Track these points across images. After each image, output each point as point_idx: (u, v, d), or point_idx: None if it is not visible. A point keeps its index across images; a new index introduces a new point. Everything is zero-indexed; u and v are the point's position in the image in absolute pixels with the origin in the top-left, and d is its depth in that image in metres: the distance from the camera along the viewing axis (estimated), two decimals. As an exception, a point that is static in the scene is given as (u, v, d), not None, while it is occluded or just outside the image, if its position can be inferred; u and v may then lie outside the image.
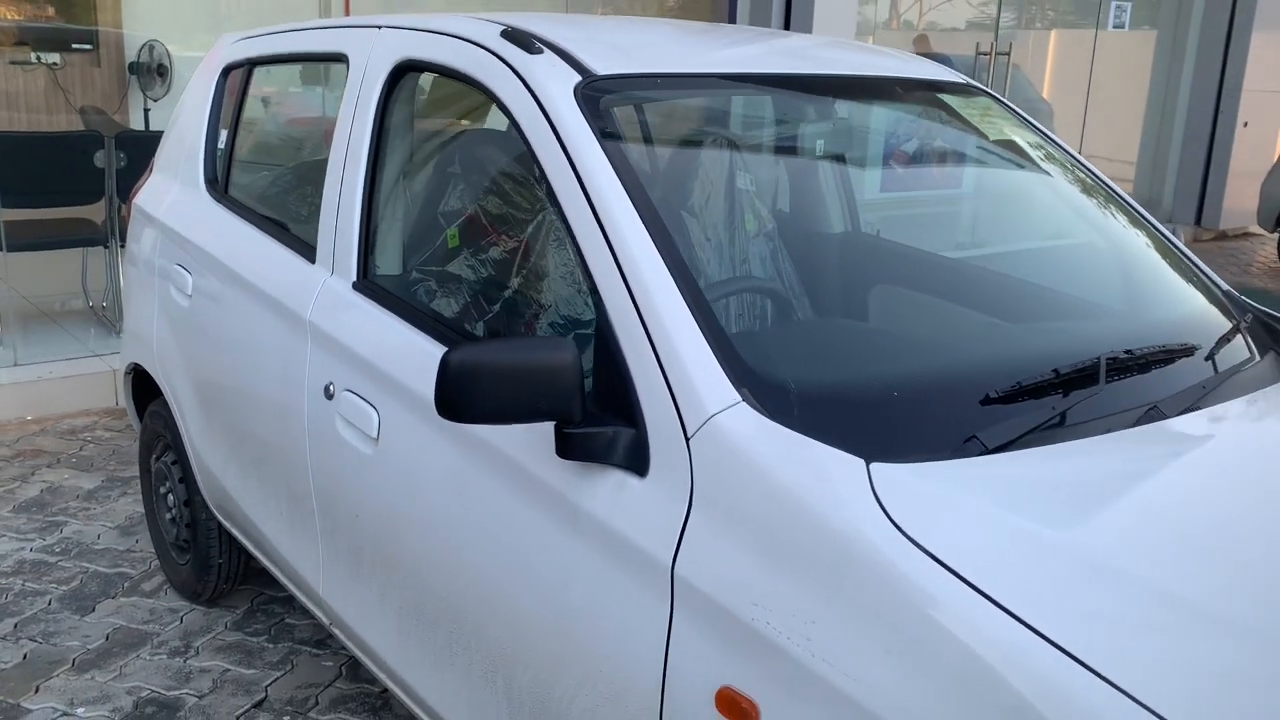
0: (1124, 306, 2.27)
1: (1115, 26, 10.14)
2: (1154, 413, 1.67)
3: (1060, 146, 2.53)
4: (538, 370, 1.53)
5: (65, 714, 2.76)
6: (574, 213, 1.76)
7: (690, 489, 1.50)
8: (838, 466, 1.39)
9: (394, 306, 2.15)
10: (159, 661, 3.00)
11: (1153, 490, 1.45)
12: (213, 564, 3.14)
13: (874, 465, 1.39)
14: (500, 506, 1.78)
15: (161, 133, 3.91)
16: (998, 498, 1.37)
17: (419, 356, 1.99)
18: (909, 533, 1.30)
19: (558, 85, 1.89)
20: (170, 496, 3.27)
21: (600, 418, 1.62)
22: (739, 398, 1.51)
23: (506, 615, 1.77)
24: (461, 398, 1.52)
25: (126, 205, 3.47)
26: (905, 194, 2.60)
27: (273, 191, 2.85)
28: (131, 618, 3.21)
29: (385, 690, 2.88)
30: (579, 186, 1.76)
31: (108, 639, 3.10)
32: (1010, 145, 2.48)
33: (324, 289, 2.32)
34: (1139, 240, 2.40)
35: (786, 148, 2.32)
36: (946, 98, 2.41)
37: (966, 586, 1.23)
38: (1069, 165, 2.49)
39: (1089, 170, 2.51)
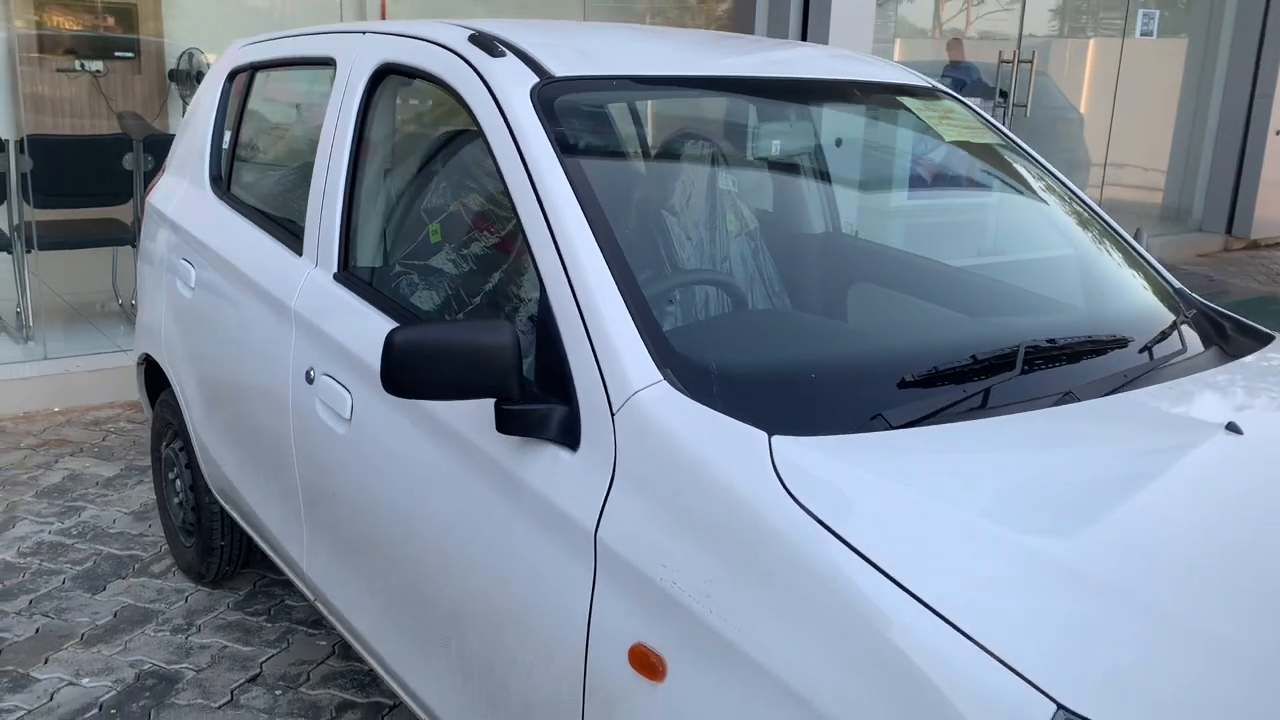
0: (1074, 301, 2.35)
1: (1143, 34, 10.11)
2: (1068, 396, 1.75)
3: (1024, 150, 2.61)
4: (477, 350, 1.64)
5: (70, 683, 2.91)
6: (524, 207, 1.87)
7: (614, 461, 1.60)
8: (741, 438, 1.49)
9: (369, 296, 2.27)
10: (162, 637, 3.15)
11: (1041, 462, 1.54)
12: (215, 546, 3.29)
13: (776, 438, 1.49)
14: (450, 480, 1.89)
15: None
16: (888, 468, 1.46)
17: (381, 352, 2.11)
18: (799, 498, 1.39)
19: (516, 86, 2.01)
20: (178, 482, 3.42)
21: (540, 396, 1.73)
22: (660, 377, 1.62)
23: (456, 582, 1.89)
24: (404, 374, 1.64)
25: (143, 203, 3.63)
26: (871, 194, 2.69)
27: (270, 189, 2.99)
28: (139, 597, 3.37)
29: (374, 670, 3.01)
30: (529, 182, 1.87)
31: (115, 616, 3.25)
32: (971, 147, 2.57)
33: (308, 279, 2.46)
34: (1097, 240, 2.47)
35: (732, 146, 2.42)
36: (907, 100, 2.50)
37: (845, 547, 1.33)
38: (1034, 169, 2.57)
39: (1054, 175, 2.58)
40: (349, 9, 6.87)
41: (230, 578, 3.45)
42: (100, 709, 2.80)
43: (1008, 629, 1.23)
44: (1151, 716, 1.15)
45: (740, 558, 1.40)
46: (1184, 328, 2.17)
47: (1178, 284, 2.44)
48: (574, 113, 2.02)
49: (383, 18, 6.98)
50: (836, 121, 2.46)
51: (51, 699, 2.84)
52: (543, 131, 1.91)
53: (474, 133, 2.10)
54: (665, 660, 1.46)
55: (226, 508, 3.14)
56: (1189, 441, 1.66)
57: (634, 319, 1.68)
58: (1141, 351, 2.02)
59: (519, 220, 1.87)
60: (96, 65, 6.37)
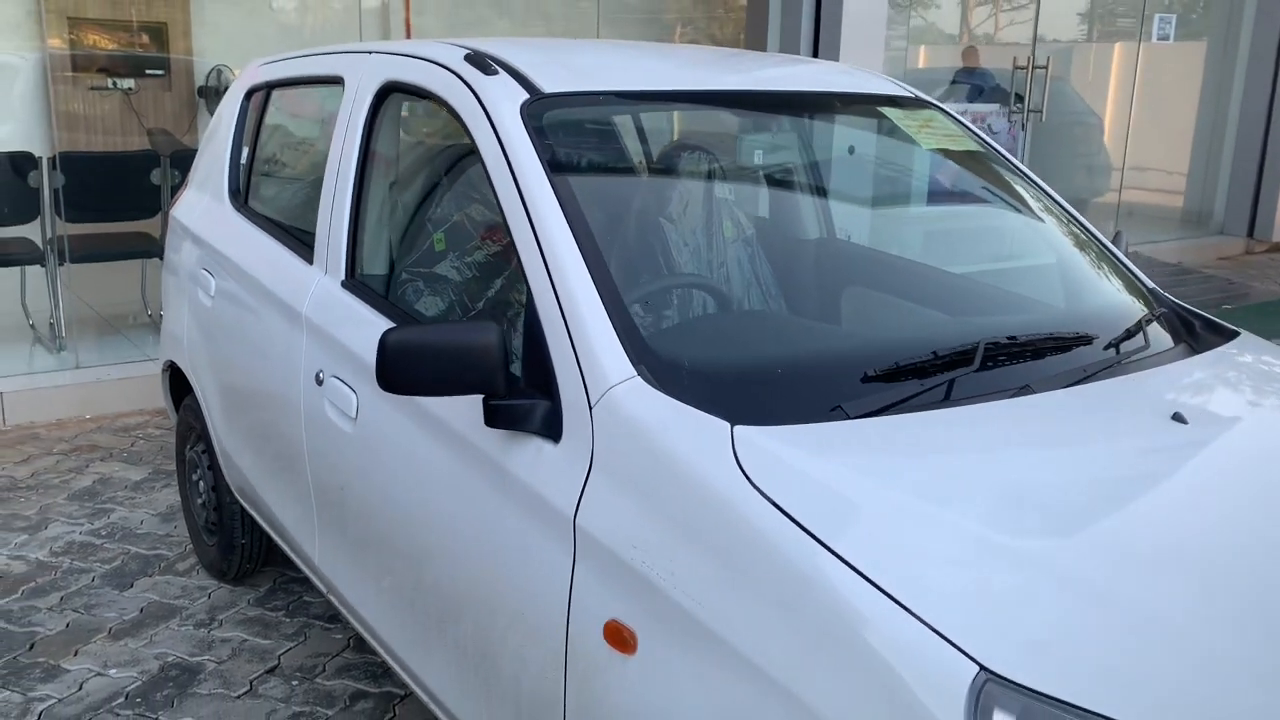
0: (1051, 301, 2.45)
1: (1160, 39, 10.12)
2: (1025, 389, 1.85)
3: (1004, 157, 2.71)
4: (464, 349, 1.76)
5: (98, 674, 3.06)
6: (512, 216, 2.00)
7: (591, 451, 1.72)
8: (705, 426, 1.61)
9: (374, 302, 2.40)
10: (185, 631, 3.29)
11: (984, 447, 1.64)
12: (236, 545, 3.43)
13: (738, 427, 1.60)
14: (445, 473, 2.02)
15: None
16: (842, 454, 1.57)
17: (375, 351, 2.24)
18: (755, 481, 1.50)
19: (507, 102, 2.14)
20: (201, 483, 3.57)
21: (525, 392, 1.85)
22: (634, 372, 1.73)
23: (452, 569, 2.01)
24: (397, 372, 1.76)
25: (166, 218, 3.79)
26: (853, 206, 2.80)
27: (284, 201, 3.13)
28: (165, 593, 3.51)
29: (386, 661, 3.14)
30: (517, 193, 2.00)
31: (142, 611, 3.40)
32: (954, 155, 2.67)
33: (317, 287, 2.59)
34: (1075, 243, 2.56)
35: (721, 156, 2.53)
36: (889, 110, 2.60)
37: (795, 525, 1.44)
38: (1015, 176, 2.66)
39: (1034, 182, 2.68)
40: (372, 24, 7.04)
41: (251, 575, 3.59)
42: (126, 698, 2.95)
43: (938, 598, 1.33)
44: (1069, 676, 1.25)
45: (701, 536, 1.51)
46: (1151, 325, 2.26)
47: (1151, 284, 2.52)
48: (562, 127, 2.15)
49: (408, 34, 7.15)
50: (817, 132, 2.57)
51: (81, 688, 2.99)
52: (530, 145, 2.04)
53: (470, 146, 2.22)
54: (636, 634, 1.57)
55: (246, 507, 3.28)
56: (1133, 430, 1.75)
57: (611, 319, 1.80)
58: (1108, 348, 2.12)
59: (509, 230, 1.99)
60: (128, 83, 6.58)
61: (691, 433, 1.61)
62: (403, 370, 1.75)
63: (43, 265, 5.47)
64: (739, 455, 1.55)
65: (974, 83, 9.16)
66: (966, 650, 1.27)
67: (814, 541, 1.41)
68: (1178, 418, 1.79)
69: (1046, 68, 9.12)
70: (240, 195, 3.28)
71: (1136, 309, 2.34)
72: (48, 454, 4.68)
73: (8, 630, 3.27)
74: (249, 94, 3.36)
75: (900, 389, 1.78)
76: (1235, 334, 2.32)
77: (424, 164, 2.59)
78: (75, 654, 3.16)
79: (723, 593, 1.46)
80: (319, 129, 3.13)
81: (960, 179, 2.71)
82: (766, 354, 1.83)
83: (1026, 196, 2.62)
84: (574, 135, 2.17)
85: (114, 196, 5.59)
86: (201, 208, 3.43)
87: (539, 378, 1.85)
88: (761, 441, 1.58)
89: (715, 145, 2.55)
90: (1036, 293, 2.48)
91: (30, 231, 5.48)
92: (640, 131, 2.35)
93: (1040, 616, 1.32)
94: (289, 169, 3.20)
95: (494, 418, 1.82)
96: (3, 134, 5.87)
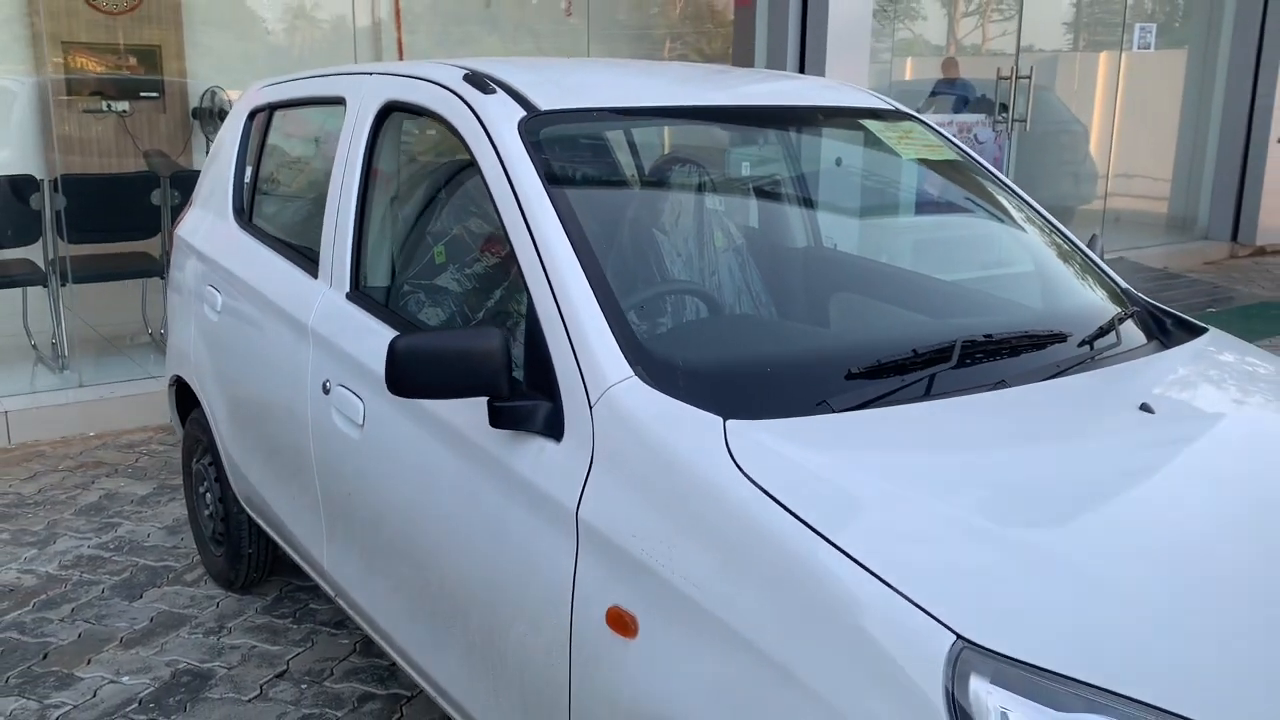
0: (1030, 303, 2.55)
1: (1140, 48, 10.29)
2: (1001, 384, 1.95)
3: (983, 166, 2.81)
4: (470, 354, 1.86)
5: (112, 681, 3.14)
6: (513, 228, 2.10)
7: (592, 447, 1.82)
8: (699, 421, 1.71)
9: (378, 313, 2.50)
10: (195, 639, 3.37)
11: (962, 435, 1.75)
12: (243, 554, 3.52)
13: (730, 421, 1.70)
14: (451, 474, 2.11)
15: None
16: (827, 444, 1.68)
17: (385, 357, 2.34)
18: (746, 470, 1.60)
19: (505, 120, 2.24)
20: (208, 495, 3.66)
21: (528, 394, 1.95)
22: (631, 373, 1.83)
23: (458, 566, 2.10)
24: (406, 377, 1.86)
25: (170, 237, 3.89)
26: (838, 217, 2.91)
27: (288, 218, 3.23)
28: (174, 603, 3.60)
29: (394, 664, 3.22)
30: (517, 206, 2.10)
31: (152, 621, 3.48)
32: (933, 164, 2.78)
33: (323, 300, 2.69)
34: (1052, 247, 2.67)
35: (712, 169, 2.64)
36: (870, 122, 2.71)
37: (784, 510, 1.54)
38: (993, 184, 2.77)
39: (1011, 188, 2.79)
40: (364, 44, 7.15)
41: (258, 584, 3.67)
42: (140, 703, 3.03)
43: (918, 575, 1.43)
44: (1040, 644, 1.35)
45: (697, 523, 1.61)
46: (1124, 323, 2.37)
47: (1124, 284, 2.63)
48: (558, 142, 2.25)
49: (400, 53, 7.26)
50: (802, 145, 2.68)
51: (95, 695, 3.07)
52: (529, 160, 2.14)
53: (470, 162, 2.33)
54: (637, 618, 1.67)
55: (253, 516, 3.37)
56: (1103, 418, 1.86)
57: (609, 324, 1.90)
58: (1081, 345, 2.22)
59: (509, 241, 2.10)
60: (123, 105, 6.67)
61: (687, 427, 1.71)
62: (412, 375, 1.85)
63: (45, 286, 5.55)
64: (731, 447, 1.65)
65: (954, 93, 9.30)
66: (944, 621, 1.37)
67: (802, 525, 1.51)
68: (1145, 408, 1.90)
69: (1030, 77, 9.27)
70: (244, 213, 3.38)
71: (1110, 308, 2.45)
72: (53, 470, 4.76)
73: (21, 641, 3.35)
74: (251, 115, 3.46)
75: (882, 385, 1.89)
76: (1204, 330, 2.43)
77: (423, 180, 2.70)
78: (88, 663, 3.24)
79: (718, 575, 1.56)
80: (320, 148, 3.23)
81: (939, 187, 2.82)
82: (756, 354, 1.93)
83: (1004, 202, 2.73)
84: (569, 150, 2.28)
85: (115, 217, 5.68)
86: (206, 226, 3.53)
87: (540, 380, 1.95)
88: (752, 434, 1.68)
89: (705, 159, 2.66)
90: (1014, 295, 2.59)
91: (32, 253, 5.57)
92: (633, 146, 2.46)
93: (1013, 590, 1.42)
94: (292, 187, 3.30)
95: (498, 419, 1.91)
96: (2, 158, 5.97)
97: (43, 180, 5.47)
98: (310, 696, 3.07)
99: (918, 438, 1.73)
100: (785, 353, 1.97)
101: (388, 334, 2.42)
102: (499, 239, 2.33)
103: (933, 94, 9.20)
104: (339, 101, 2.85)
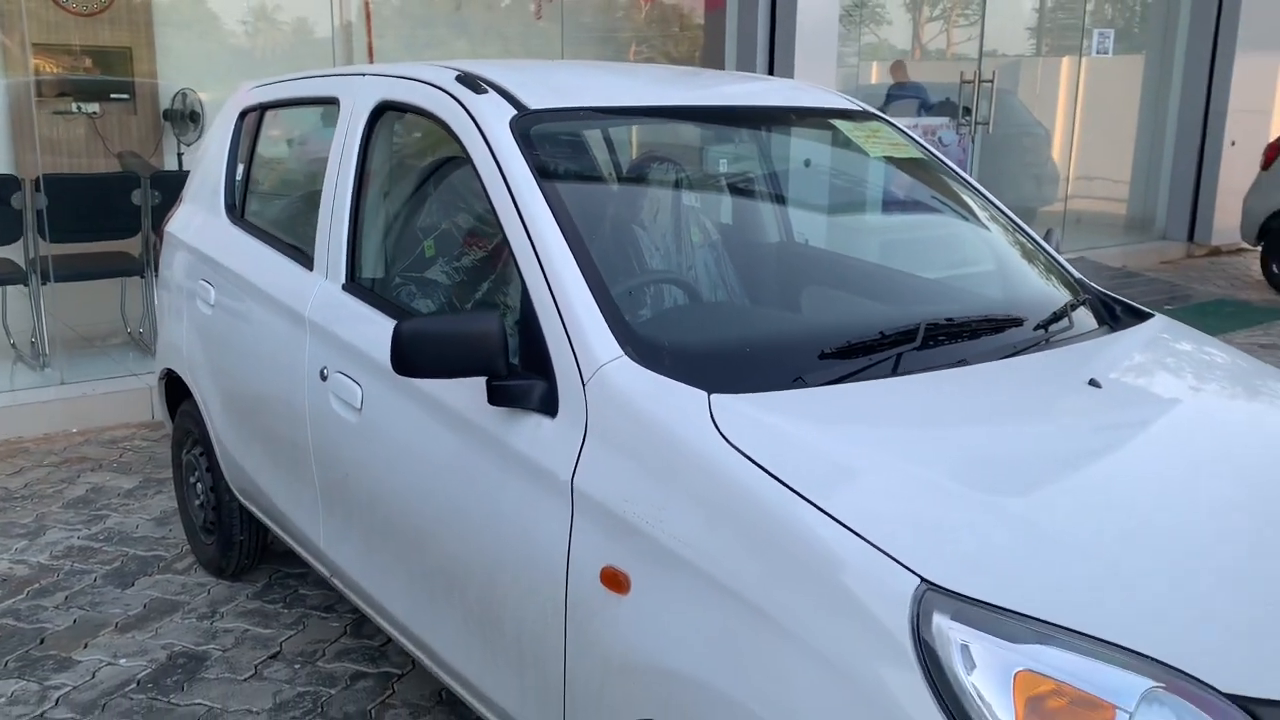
0: (989, 292, 2.72)
1: (1099, 53, 10.56)
2: (961, 363, 2.11)
3: (945, 164, 2.98)
4: (469, 336, 1.99)
5: (109, 663, 3.24)
6: (507, 220, 2.23)
7: (585, 421, 1.96)
8: (685, 395, 1.86)
9: (374, 302, 2.62)
10: (189, 624, 3.47)
11: (926, 406, 1.91)
12: (235, 541, 3.62)
13: (714, 395, 1.85)
14: (449, 451, 2.24)
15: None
16: (803, 415, 1.83)
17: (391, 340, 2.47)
18: (729, 437, 1.75)
19: (497, 119, 2.38)
20: (199, 485, 3.76)
21: (524, 374, 2.09)
22: (621, 352, 1.97)
23: (456, 539, 2.23)
24: (410, 358, 1.99)
25: (158, 234, 3.98)
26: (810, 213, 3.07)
27: (282, 214, 3.35)
28: (166, 590, 3.69)
29: (385, 644, 3.34)
30: (511, 199, 2.23)
31: (145, 607, 3.58)
32: (899, 162, 2.94)
33: (319, 290, 2.81)
34: (1010, 240, 2.84)
35: (690, 165, 2.80)
36: (840, 122, 2.87)
37: (764, 472, 1.68)
38: (956, 181, 2.94)
39: (972, 185, 2.95)
40: (336, 47, 7.23)
41: (248, 571, 3.77)
42: (139, 684, 3.13)
43: (886, 526, 1.58)
44: (997, 586, 1.50)
45: (684, 486, 1.76)
46: (1076, 309, 2.54)
47: (1078, 274, 2.80)
48: (547, 139, 2.39)
49: (370, 56, 7.35)
50: (775, 143, 2.83)
51: (94, 676, 3.16)
52: (521, 156, 2.28)
53: (462, 159, 2.46)
54: (630, 576, 1.81)
55: (246, 504, 3.48)
56: (1054, 392, 2.02)
57: (600, 307, 2.04)
58: (1036, 328, 2.39)
59: (503, 232, 2.23)
60: (93, 107, 6.73)
61: (674, 400, 1.85)
62: (416, 356, 1.98)
63: (26, 285, 5.61)
64: (716, 418, 1.80)
65: (906, 96, 9.48)
66: (909, 566, 1.52)
67: (782, 486, 1.66)
68: (1093, 383, 2.06)
69: (993, 81, 9.50)
70: (237, 210, 3.49)
71: (1063, 295, 2.62)
72: (39, 466, 4.84)
73: (18, 627, 3.44)
74: (243, 115, 3.57)
75: (852, 363, 2.04)
76: (1150, 316, 2.60)
77: (417, 176, 2.82)
78: (85, 646, 3.33)
79: (703, 532, 1.71)
80: (312, 147, 3.35)
81: (903, 183, 2.98)
82: (736, 335, 2.08)
83: (965, 198, 2.90)
84: (558, 146, 2.41)
85: (96, 217, 5.75)
86: (198, 223, 3.63)
87: (535, 361, 2.08)
88: (734, 406, 1.83)
89: (682, 156, 2.81)
90: (976, 285, 2.75)
91: (12, 252, 5.63)
92: (613, 143, 2.60)
93: (972, 540, 1.58)
94: (284, 184, 3.41)
95: (496, 397, 2.05)
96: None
97: (24, 180, 5.53)
98: (304, 676, 3.18)
99: (886, 409, 1.88)
100: (763, 334, 2.13)
101: (384, 322, 2.54)
102: (483, 234, 2.46)
103: (888, 98, 9.39)
104: (333, 102, 2.97)
